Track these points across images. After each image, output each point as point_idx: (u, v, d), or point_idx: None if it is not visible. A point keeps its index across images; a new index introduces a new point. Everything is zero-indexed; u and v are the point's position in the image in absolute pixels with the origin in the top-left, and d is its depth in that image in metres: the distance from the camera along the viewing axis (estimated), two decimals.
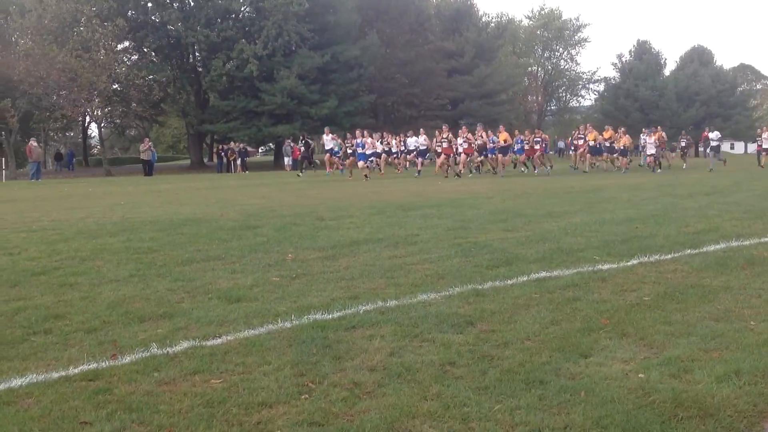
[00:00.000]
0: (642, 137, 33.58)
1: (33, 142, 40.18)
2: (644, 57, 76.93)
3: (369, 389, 3.66)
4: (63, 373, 3.94)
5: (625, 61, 78.93)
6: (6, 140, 45.93)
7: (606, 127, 33.04)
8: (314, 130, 47.27)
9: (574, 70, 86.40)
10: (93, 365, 4.07)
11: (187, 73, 51.89)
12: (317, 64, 47.53)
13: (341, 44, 49.48)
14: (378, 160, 30.35)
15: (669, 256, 7.19)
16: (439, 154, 27.80)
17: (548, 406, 3.41)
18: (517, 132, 30.89)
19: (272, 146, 50.70)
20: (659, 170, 28.85)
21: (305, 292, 5.88)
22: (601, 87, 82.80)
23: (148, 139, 44.55)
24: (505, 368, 3.90)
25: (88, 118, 56.94)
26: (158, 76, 50.08)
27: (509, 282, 6.07)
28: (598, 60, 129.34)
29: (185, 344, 4.43)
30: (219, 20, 48.40)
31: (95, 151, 74.92)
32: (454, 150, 27.71)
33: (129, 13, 47.34)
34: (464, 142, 27.57)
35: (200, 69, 51.08)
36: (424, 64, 57.52)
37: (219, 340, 4.53)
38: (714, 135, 32.45)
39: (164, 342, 4.48)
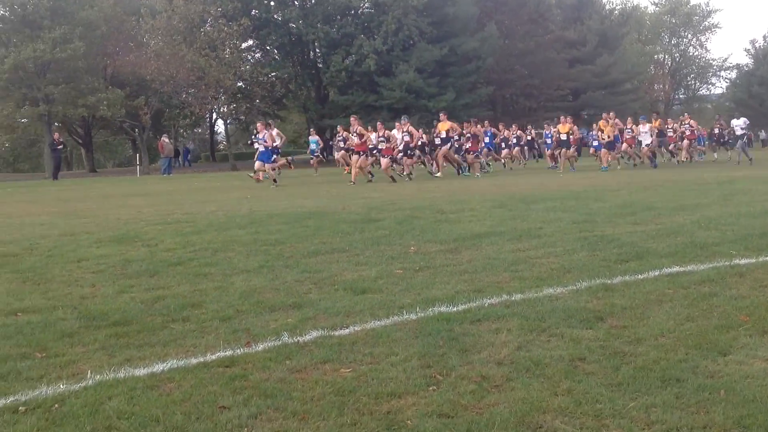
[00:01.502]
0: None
1: (165, 139, 42.24)
2: None
3: (497, 383, 3.63)
4: (201, 359, 4.11)
5: (759, 47, 74.88)
6: (139, 137, 48.51)
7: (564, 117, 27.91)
8: (430, 123, 47.28)
9: (703, 57, 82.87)
10: (228, 352, 4.22)
11: (308, 69, 53.07)
12: (435, 57, 47.60)
13: (459, 37, 49.31)
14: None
15: None
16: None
17: (686, 405, 3.27)
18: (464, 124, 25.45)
19: None
20: (647, 163, 26.16)
21: (429, 284, 5.90)
22: (733, 74, 78.96)
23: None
24: (638, 365, 3.78)
25: (215, 115, 59.30)
26: (280, 73, 51.60)
27: (640, 277, 5.86)
28: (729, 46, 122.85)
29: (314, 334, 4.54)
30: (338, 17, 49.29)
31: (221, 146, 77.83)
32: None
33: (252, 12, 48.85)
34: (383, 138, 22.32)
35: (320, 65, 52.12)
36: (544, 54, 56.51)
37: (346, 331, 4.61)
38: (741, 122, 27.00)
39: (294, 331, 4.60)
